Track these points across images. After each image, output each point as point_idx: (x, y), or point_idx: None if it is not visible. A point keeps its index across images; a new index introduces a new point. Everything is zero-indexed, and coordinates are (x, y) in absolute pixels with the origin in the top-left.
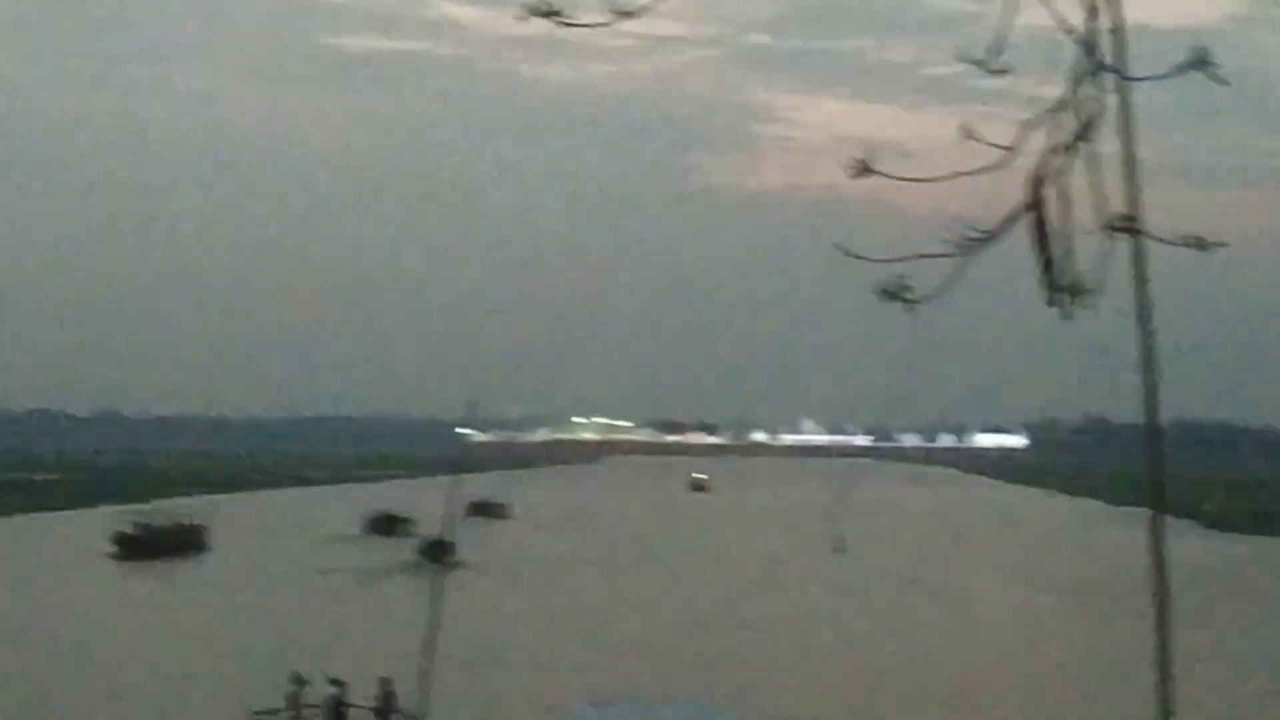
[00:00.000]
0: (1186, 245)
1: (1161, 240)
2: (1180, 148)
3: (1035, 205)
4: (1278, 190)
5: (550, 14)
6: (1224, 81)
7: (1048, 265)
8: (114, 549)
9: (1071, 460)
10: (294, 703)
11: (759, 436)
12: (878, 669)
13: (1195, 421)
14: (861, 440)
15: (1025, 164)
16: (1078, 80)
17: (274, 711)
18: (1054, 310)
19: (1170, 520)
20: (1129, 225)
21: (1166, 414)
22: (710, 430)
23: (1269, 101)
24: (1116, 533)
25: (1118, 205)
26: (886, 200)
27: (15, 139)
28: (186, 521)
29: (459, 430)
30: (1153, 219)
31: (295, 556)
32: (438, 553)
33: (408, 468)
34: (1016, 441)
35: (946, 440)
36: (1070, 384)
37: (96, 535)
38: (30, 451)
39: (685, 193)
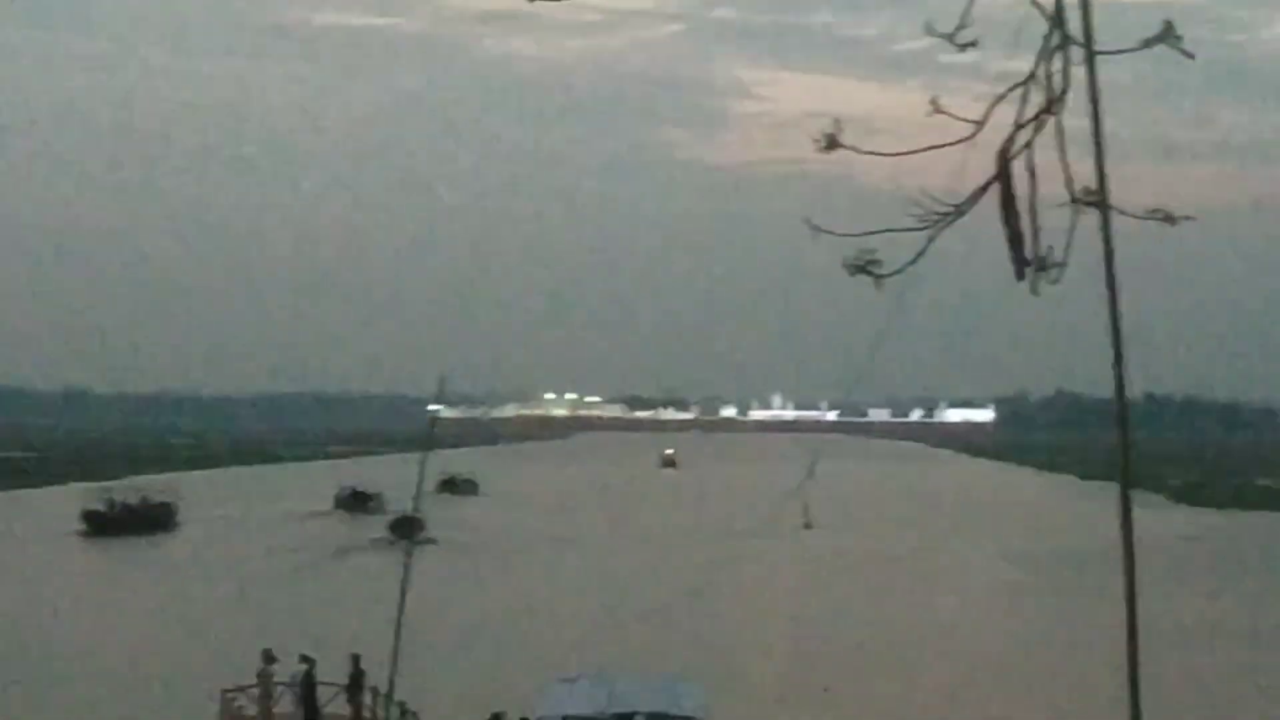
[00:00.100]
0: (1154, 219)
1: (1129, 214)
2: (1148, 122)
3: (1003, 179)
4: (1244, 164)
5: None
6: (1190, 55)
7: (1016, 239)
8: (83, 526)
9: (1040, 434)
10: (264, 680)
11: (729, 412)
12: (847, 642)
13: (1163, 395)
14: (831, 415)
15: (993, 138)
16: (1045, 54)
17: (244, 688)
18: (1023, 284)
19: (1138, 494)
20: (1097, 199)
21: (1134, 388)
22: (680, 406)
23: (1236, 75)
24: (1085, 506)
25: (1085, 179)
26: (855, 175)
27: None
28: (155, 498)
29: (428, 406)
30: (1120, 193)
31: (264, 533)
32: (407, 529)
33: (377, 444)
34: (985, 416)
35: (916, 415)
36: (1039, 358)
37: (65, 512)
38: None
39: (654, 167)
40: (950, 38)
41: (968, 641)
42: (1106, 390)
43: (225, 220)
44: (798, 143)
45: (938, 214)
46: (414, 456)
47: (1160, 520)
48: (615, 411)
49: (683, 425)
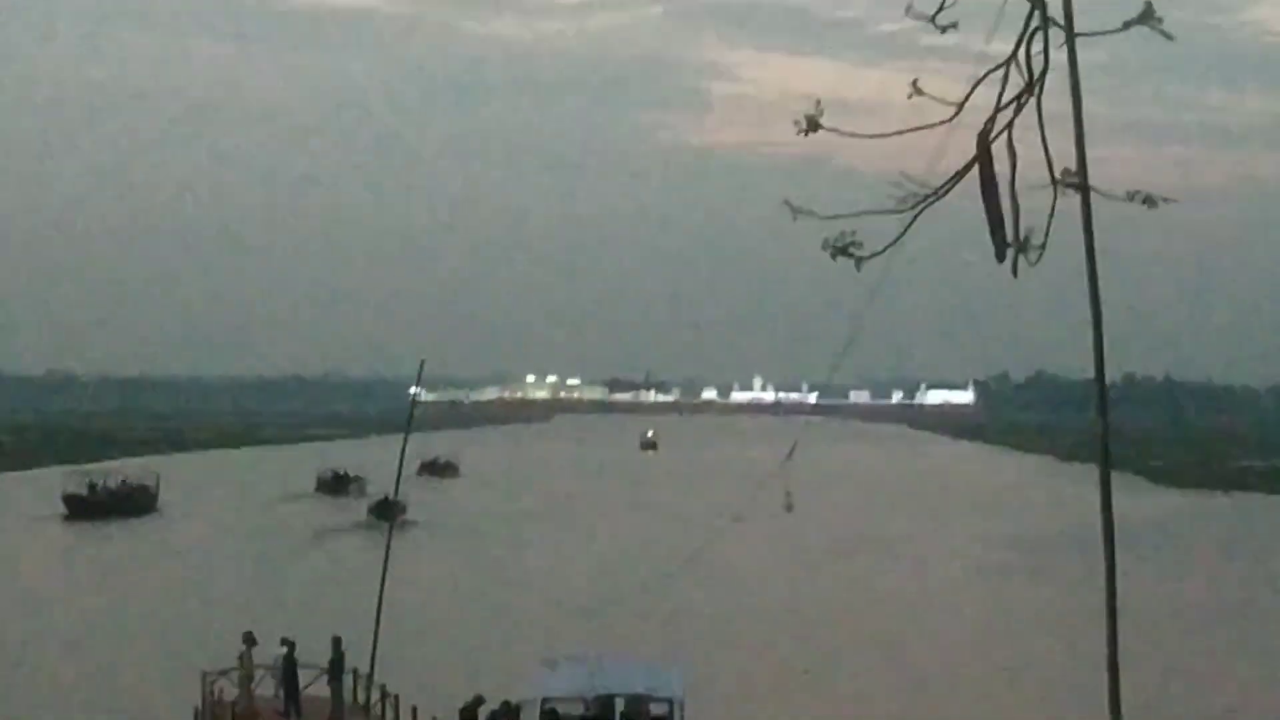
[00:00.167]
0: (1134, 201)
1: (1110, 196)
2: (1128, 104)
3: (984, 161)
4: (1225, 146)
5: None
6: (1170, 36)
7: (996, 221)
8: (64, 509)
9: (1020, 416)
10: (245, 662)
11: (709, 394)
12: (828, 624)
13: (1144, 376)
14: (812, 398)
15: (974, 120)
16: (1025, 37)
17: (225, 671)
18: (1003, 266)
19: (1118, 475)
20: (1077, 181)
21: (1114, 369)
22: (661, 388)
23: (1216, 57)
24: (1065, 487)
25: (1066, 161)
26: (837, 157)
27: None
28: (136, 482)
29: (409, 389)
30: (1101, 175)
31: (245, 516)
32: (388, 512)
33: (357, 427)
34: (966, 398)
35: (897, 397)
36: (1019, 340)
37: (46, 495)
38: None
39: (635, 149)
40: (931, 20)
41: (948, 623)
42: (1086, 371)
43: (205, 204)
44: (779, 125)
45: (918, 196)
46: (394, 439)
47: (1140, 501)
48: (596, 394)
49: (663, 408)
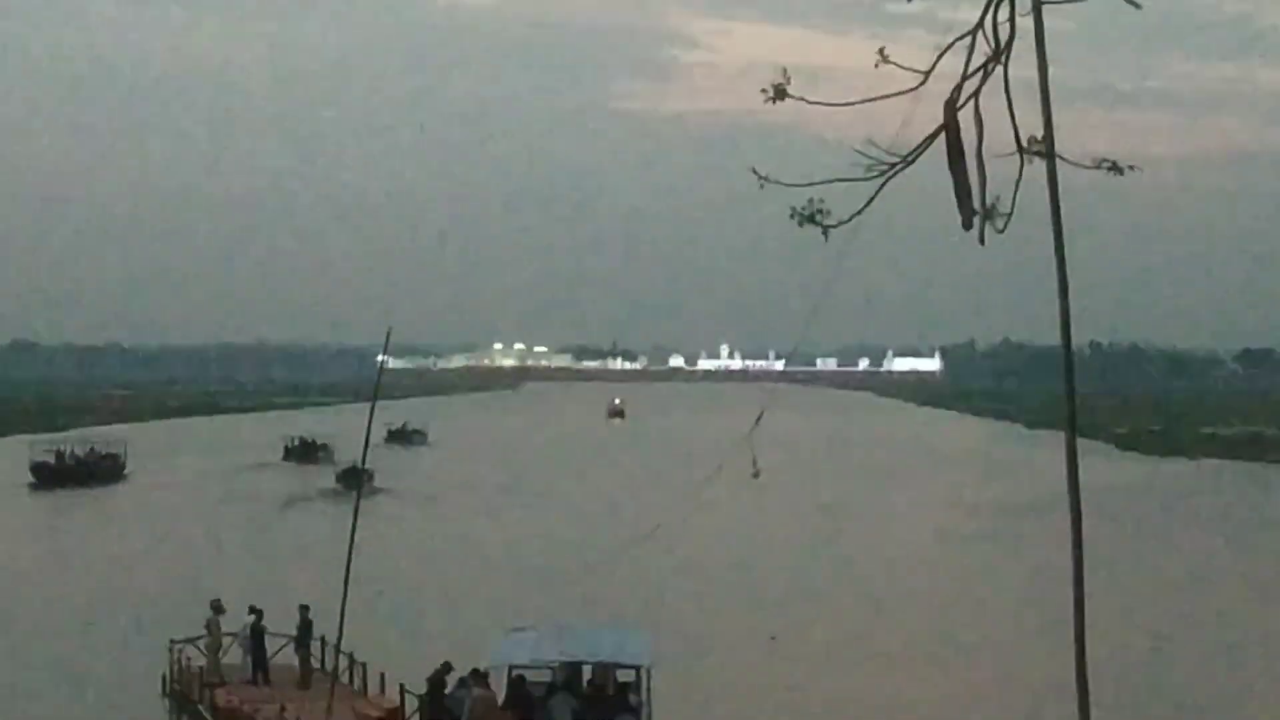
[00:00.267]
0: (1100, 168)
1: (1076, 164)
2: (1095, 72)
3: (950, 129)
4: (1190, 114)
5: None
6: (1137, 4)
7: (963, 189)
8: (30, 477)
9: (987, 382)
10: (213, 630)
11: (676, 362)
12: (794, 591)
13: (1110, 343)
14: (778, 365)
15: (941, 88)
16: (992, 5)
17: (192, 639)
18: (970, 233)
19: (1083, 441)
20: (1043, 149)
21: (1080, 336)
22: (628, 356)
23: (1182, 26)
24: (1031, 454)
25: (1032, 129)
26: (804, 125)
27: None
28: (103, 450)
29: (376, 357)
30: (1067, 143)
31: (213, 484)
32: (356, 479)
33: (324, 395)
34: (932, 365)
35: (863, 364)
36: (985, 307)
37: (13, 464)
38: None
39: (601, 117)
40: None
41: (914, 589)
42: (1052, 338)
43: (170, 171)
44: (746, 93)
45: (885, 164)
46: (361, 407)
47: (1105, 468)
48: (563, 362)
49: (630, 375)
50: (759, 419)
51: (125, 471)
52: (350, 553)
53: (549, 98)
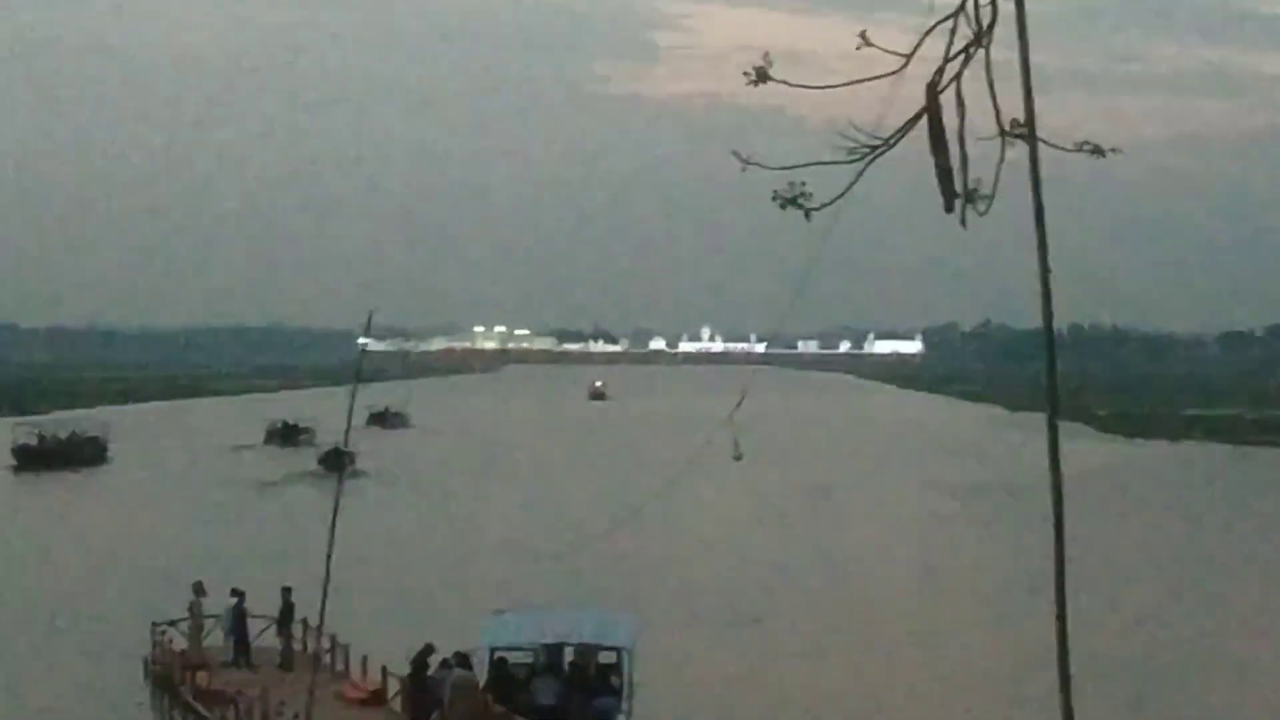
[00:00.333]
0: (1082, 151)
1: (1057, 147)
2: (1076, 55)
3: (932, 112)
4: (1172, 97)
5: None
6: None
7: (945, 171)
8: (12, 460)
9: (968, 365)
10: (195, 612)
11: (658, 345)
12: (778, 573)
13: (1091, 326)
14: (760, 348)
15: (923, 71)
16: None
17: (175, 622)
18: (952, 216)
19: (1065, 424)
20: (1025, 132)
21: (1061, 319)
22: (609, 339)
23: (1164, 9)
24: (1012, 436)
25: (1014, 112)
26: (785, 108)
27: None
28: (86, 433)
29: (357, 339)
30: (1049, 126)
31: (195, 466)
32: (338, 462)
33: (305, 377)
34: (913, 347)
35: (844, 347)
36: (967, 290)
37: None
38: None
39: (582, 100)
40: None
41: (896, 570)
42: (1034, 321)
43: (153, 154)
44: (728, 76)
45: (867, 147)
46: (342, 390)
47: (1086, 450)
48: (544, 344)
49: (612, 358)
50: (740, 402)
51: (108, 454)
52: (332, 535)
53: (530, 81)
